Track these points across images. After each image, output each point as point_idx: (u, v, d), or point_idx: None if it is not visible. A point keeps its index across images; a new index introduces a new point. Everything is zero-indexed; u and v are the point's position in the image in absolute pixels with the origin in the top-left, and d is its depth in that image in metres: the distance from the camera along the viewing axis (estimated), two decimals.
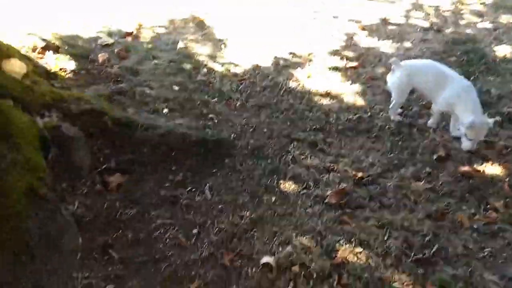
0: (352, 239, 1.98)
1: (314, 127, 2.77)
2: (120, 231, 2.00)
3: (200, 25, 4.16)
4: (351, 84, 3.23)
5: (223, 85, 3.14)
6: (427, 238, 2.00)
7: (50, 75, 2.91)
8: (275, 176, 2.37)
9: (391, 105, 2.85)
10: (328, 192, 2.24)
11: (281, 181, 2.34)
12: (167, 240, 1.99)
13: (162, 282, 1.80)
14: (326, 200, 2.21)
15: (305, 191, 2.28)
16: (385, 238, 1.98)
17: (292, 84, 3.21)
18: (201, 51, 3.62)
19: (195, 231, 2.04)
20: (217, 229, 2.04)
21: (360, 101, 3.04)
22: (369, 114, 2.89)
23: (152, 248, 1.95)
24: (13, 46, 2.74)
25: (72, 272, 1.78)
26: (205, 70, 3.32)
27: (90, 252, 1.88)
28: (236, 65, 3.43)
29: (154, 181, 2.28)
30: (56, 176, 2.10)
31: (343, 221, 2.09)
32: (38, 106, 2.35)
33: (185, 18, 4.24)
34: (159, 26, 4.06)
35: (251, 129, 2.73)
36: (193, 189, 2.26)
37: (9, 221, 1.67)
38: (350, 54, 3.68)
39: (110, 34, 3.80)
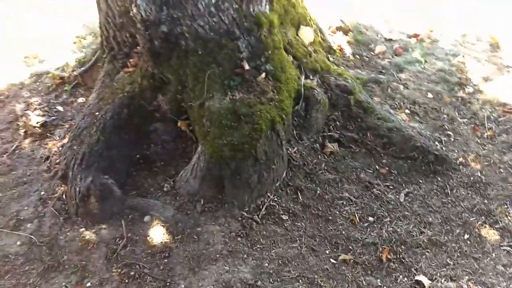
0: None
1: None
2: (314, 185, 2.34)
3: (494, 46, 3.78)
4: None
5: (482, 110, 2.87)
6: None
7: (330, 50, 3.45)
8: (482, 217, 2.12)
9: None
10: None
11: (486, 226, 2.07)
12: (344, 212, 2.19)
13: (323, 237, 2.06)
14: None
15: (508, 248, 1.96)
16: None
17: None
18: (478, 70, 3.34)
19: (371, 219, 2.15)
20: (391, 229, 2.08)
21: None
22: None
23: (329, 210, 2.21)
24: (314, 19, 3.41)
25: (268, 191, 2.28)
26: (471, 89, 3.09)
27: (285, 186, 2.32)
28: (510, 96, 3.01)
29: (360, 163, 2.47)
30: (293, 123, 2.62)
31: None
32: (308, 68, 2.91)
33: (480, 36, 3.93)
34: (449, 37, 3.95)
35: (486, 163, 2.45)
36: (390, 186, 2.32)
37: (251, 134, 2.28)
38: None
39: (399, 32, 4.02)
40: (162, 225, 2.09)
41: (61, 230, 2.11)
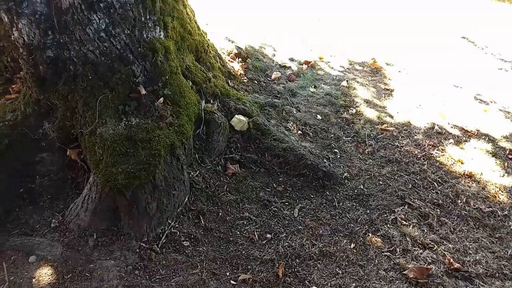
0: None
1: (435, 201, 2.58)
2: (216, 207, 2.38)
3: (375, 71, 4.31)
4: (502, 176, 2.83)
5: (363, 128, 3.23)
6: None
7: (230, 76, 3.59)
8: (366, 226, 2.36)
9: None
10: (411, 266, 2.10)
11: (369, 234, 2.31)
12: (245, 231, 2.26)
13: (224, 259, 2.09)
14: (405, 272, 2.07)
15: (388, 253, 2.19)
16: None
17: (435, 152, 3.04)
18: (361, 93, 3.77)
19: (269, 236, 2.25)
20: (287, 244, 2.19)
21: (503, 197, 2.64)
22: (505, 212, 2.50)
23: (231, 231, 2.25)
24: (214, 46, 3.52)
25: (168, 218, 2.25)
26: (354, 110, 3.47)
27: (187, 211, 2.32)
28: (387, 115, 3.44)
29: (260, 183, 2.59)
30: (194, 147, 2.64)
31: None
32: (208, 93, 2.98)
33: (364, 62, 4.46)
34: (336, 63, 4.40)
35: (367, 176, 2.75)
36: (286, 203, 2.46)
37: (148, 160, 2.23)
38: None
39: (292, 59, 4.36)
40: (50, 265, 1.92)
41: None
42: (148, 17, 2.44)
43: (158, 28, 2.56)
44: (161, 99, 2.52)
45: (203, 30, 3.37)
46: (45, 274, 1.88)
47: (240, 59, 3.96)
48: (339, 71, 4.23)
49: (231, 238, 2.20)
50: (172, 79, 2.62)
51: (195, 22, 3.24)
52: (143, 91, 2.45)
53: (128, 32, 2.34)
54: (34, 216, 2.13)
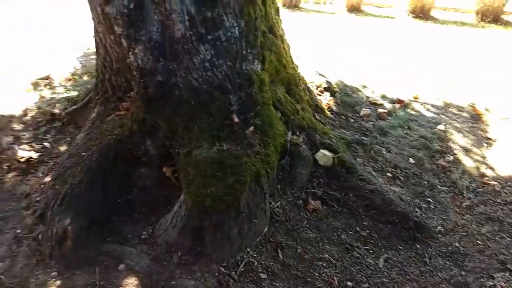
0: None
1: None
2: (294, 243, 2.33)
3: (475, 117, 3.98)
4: None
5: (462, 179, 2.95)
6: None
7: (317, 109, 3.58)
8: None
9: None
10: None
11: None
12: (323, 274, 2.17)
13: None
14: None
15: None
16: None
17: None
18: (459, 140, 3.49)
19: (349, 283, 2.12)
20: None
21: None
22: None
23: (309, 271, 2.18)
24: (304, 79, 3.57)
25: (248, 246, 2.25)
26: (451, 158, 3.20)
27: (266, 242, 2.30)
28: (488, 167, 3.13)
29: (342, 224, 2.48)
30: (277, 177, 2.65)
31: None
32: (295, 125, 3.00)
33: (461, 106, 4.15)
34: (432, 105, 4.16)
35: (464, 233, 2.49)
36: (370, 250, 2.32)
37: (235, 185, 2.28)
38: None
39: (383, 97, 4.22)
40: (136, 276, 2.03)
41: (32, 273, 2.03)
42: (249, 50, 2.56)
43: (257, 61, 2.67)
44: (251, 128, 2.59)
45: (296, 64, 3.43)
46: (131, 283, 1.99)
47: (328, 93, 3.94)
48: (434, 113, 3.98)
49: (308, 279, 2.13)
50: (263, 109, 2.69)
51: (290, 57, 3.33)
52: (236, 119, 2.55)
53: (230, 64, 2.48)
54: (128, 226, 2.29)
